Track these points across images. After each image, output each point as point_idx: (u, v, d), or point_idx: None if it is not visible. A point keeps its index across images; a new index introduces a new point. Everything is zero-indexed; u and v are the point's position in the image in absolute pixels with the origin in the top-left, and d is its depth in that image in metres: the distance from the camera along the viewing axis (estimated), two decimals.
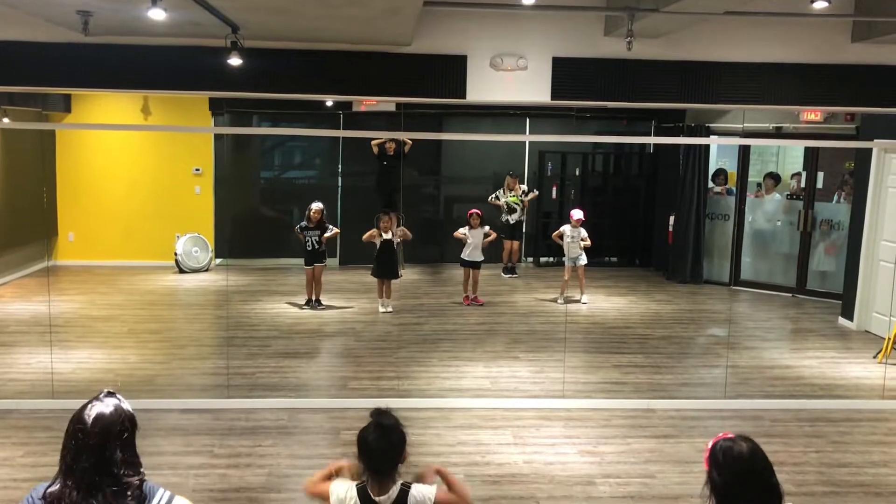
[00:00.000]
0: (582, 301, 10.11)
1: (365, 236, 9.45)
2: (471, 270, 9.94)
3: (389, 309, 9.39)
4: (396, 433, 2.81)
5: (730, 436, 2.59)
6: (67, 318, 9.10)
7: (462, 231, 10.06)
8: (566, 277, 10.15)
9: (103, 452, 2.32)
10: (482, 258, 10.03)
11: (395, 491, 2.78)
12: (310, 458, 5.49)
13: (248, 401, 6.46)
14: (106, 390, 2.46)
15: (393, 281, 9.61)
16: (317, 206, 9.62)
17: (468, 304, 9.88)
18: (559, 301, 10.15)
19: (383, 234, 9.34)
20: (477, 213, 10.10)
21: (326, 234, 9.66)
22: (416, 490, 2.82)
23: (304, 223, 9.64)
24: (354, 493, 2.81)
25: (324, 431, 5.99)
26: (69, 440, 2.36)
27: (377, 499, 2.77)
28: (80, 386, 6.81)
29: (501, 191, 11.92)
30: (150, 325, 9.10)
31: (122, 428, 2.36)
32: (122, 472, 2.34)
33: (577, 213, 10.09)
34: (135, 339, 8.33)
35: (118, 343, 8.12)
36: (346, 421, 5.92)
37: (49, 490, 2.35)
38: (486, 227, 10.10)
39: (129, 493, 2.34)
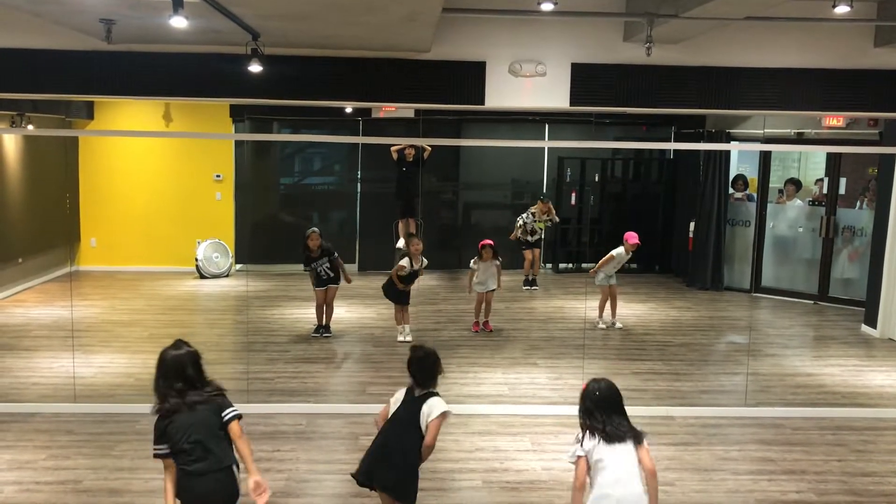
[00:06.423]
0: (616, 326, 9.32)
1: (394, 272, 8.48)
2: (484, 294, 9.00)
3: (409, 338, 8.41)
4: (431, 357, 4.26)
5: (598, 378, 3.99)
6: (89, 322, 9.20)
7: (473, 267, 9.01)
8: (608, 298, 9.29)
9: (183, 373, 3.74)
10: (496, 286, 9.01)
11: (424, 392, 4.17)
12: (328, 463, 5.51)
13: (267, 406, 6.49)
14: (176, 340, 3.93)
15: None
16: (311, 231, 8.52)
17: (477, 332, 9.02)
18: (600, 325, 9.29)
19: (414, 264, 8.40)
20: (490, 246, 8.96)
21: (336, 257, 8.63)
22: (434, 400, 4.15)
23: (305, 254, 8.58)
24: (404, 390, 4.24)
25: (342, 437, 6.00)
26: (159, 372, 3.79)
27: (415, 394, 4.19)
28: (102, 390, 6.89)
29: (529, 215, 11.35)
30: (170, 329, 9.10)
31: (191, 358, 3.81)
32: (197, 382, 3.76)
33: (633, 237, 9.05)
34: (156, 344, 8.27)
35: (139, 348, 8.18)
36: (365, 426, 5.91)
37: (155, 409, 3.74)
38: (498, 261, 9.05)
39: (207, 393, 3.75)
